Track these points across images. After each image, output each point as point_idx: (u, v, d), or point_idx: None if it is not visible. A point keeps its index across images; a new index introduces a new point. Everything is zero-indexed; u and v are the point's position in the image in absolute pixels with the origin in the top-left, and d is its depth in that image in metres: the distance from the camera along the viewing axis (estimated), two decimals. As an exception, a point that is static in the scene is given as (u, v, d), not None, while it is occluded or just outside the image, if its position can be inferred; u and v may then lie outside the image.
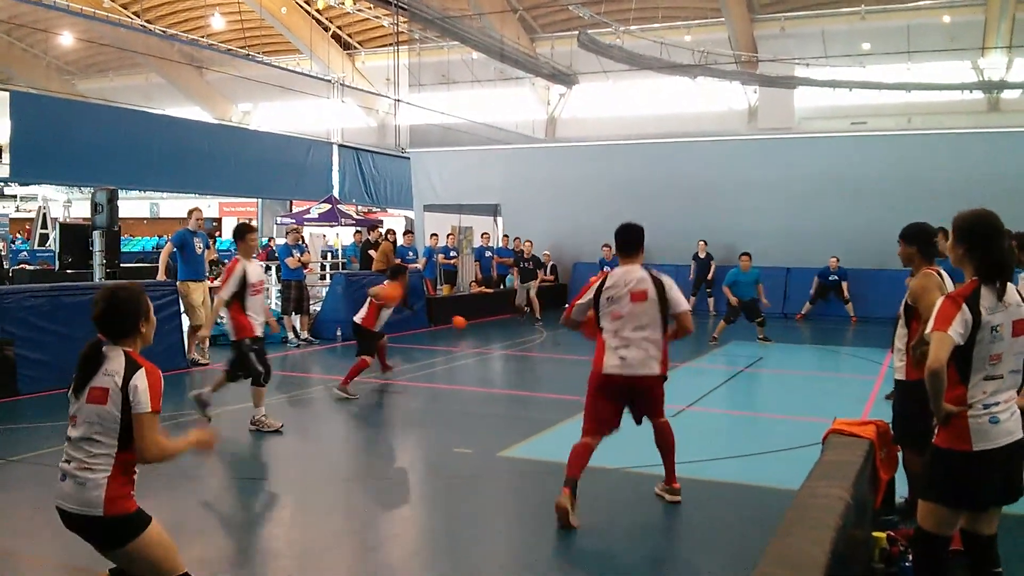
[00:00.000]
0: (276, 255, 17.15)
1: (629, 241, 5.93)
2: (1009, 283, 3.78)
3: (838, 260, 18.80)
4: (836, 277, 18.93)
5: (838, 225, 19.11)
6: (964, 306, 3.65)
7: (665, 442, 5.92)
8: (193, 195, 28.75)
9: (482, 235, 21.57)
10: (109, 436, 3.40)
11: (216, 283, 16.87)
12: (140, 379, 3.41)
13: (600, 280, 5.87)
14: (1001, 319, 3.68)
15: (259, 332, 8.19)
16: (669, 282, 5.77)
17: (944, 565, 3.83)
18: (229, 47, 33.21)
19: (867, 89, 29.64)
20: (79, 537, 3.55)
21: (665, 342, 5.72)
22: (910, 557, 4.31)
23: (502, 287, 20.75)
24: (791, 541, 3.20)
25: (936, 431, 3.82)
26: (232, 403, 9.51)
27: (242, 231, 8.51)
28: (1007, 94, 30.77)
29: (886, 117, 30.38)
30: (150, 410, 3.40)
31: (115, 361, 3.45)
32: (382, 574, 5.01)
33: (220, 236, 40.04)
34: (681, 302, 5.74)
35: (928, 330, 3.74)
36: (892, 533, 4.53)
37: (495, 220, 24.31)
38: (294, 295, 14.31)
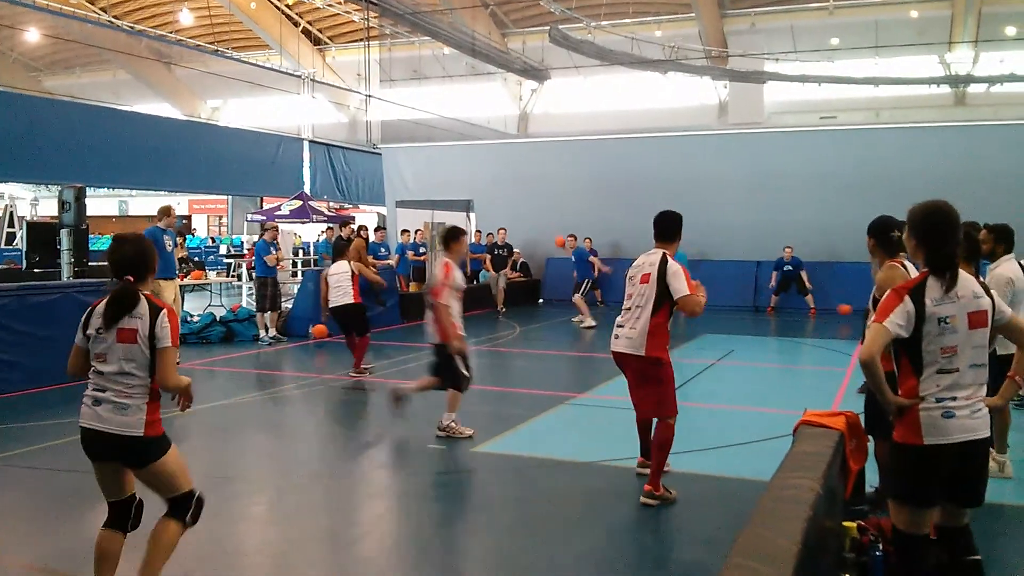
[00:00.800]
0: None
1: (658, 227, 6.13)
2: (964, 275, 3.70)
3: (792, 250, 18.95)
4: (791, 267, 18.98)
5: (807, 219, 19.26)
6: (907, 298, 3.62)
7: (656, 440, 5.92)
8: (162, 192, 28.48)
9: (454, 231, 21.50)
10: (142, 370, 3.94)
11: (187, 280, 16.71)
12: (164, 320, 3.95)
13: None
14: (952, 311, 3.61)
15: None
16: (674, 268, 5.81)
17: (922, 565, 3.77)
18: (198, 43, 32.91)
19: (836, 84, 29.87)
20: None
21: (656, 325, 5.79)
22: (880, 546, 4.35)
23: (475, 283, 20.74)
24: (762, 532, 3.22)
25: (894, 425, 3.78)
26: (205, 401, 9.46)
27: (455, 234, 8.01)
28: (973, 88, 31.11)
29: (855, 111, 30.65)
30: (170, 345, 3.96)
31: (140, 305, 3.96)
32: (356, 571, 5.00)
33: (193, 234, 39.75)
34: (680, 289, 5.72)
35: (870, 321, 3.72)
36: (863, 523, 4.57)
37: (468, 216, 24.27)
38: (270, 292, 14.26)
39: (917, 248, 3.80)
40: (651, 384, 5.88)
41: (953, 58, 30.81)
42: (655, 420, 5.95)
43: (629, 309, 5.94)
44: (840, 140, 20.24)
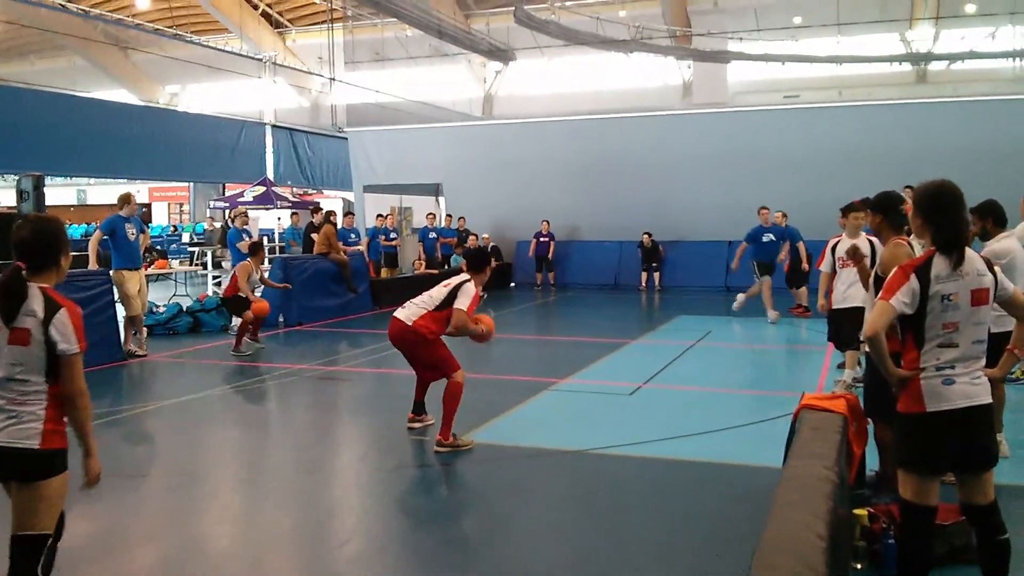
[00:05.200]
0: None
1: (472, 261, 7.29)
2: (971, 252, 3.79)
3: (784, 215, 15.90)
4: (774, 236, 15.24)
5: (774, 197, 19.11)
6: (912, 276, 3.72)
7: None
8: (122, 180, 27.91)
9: (428, 215, 21.33)
10: (37, 374, 3.38)
11: (150, 270, 16.25)
12: (63, 320, 3.37)
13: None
14: (955, 288, 3.70)
15: None
16: (469, 287, 6.90)
17: (925, 536, 3.80)
18: (156, 27, 32.23)
19: (799, 63, 29.91)
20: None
21: (428, 316, 6.90)
22: (892, 534, 4.25)
23: (447, 268, 20.51)
24: (786, 526, 3.08)
25: (898, 398, 3.86)
26: (173, 396, 9.22)
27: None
28: (934, 65, 31.29)
29: (818, 90, 30.71)
30: (78, 351, 3.40)
31: (34, 300, 3.38)
32: (340, 571, 4.79)
33: (152, 223, 39.12)
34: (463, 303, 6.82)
35: (877, 298, 3.83)
36: (872, 510, 4.46)
37: (437, 200, 24.00)
38: None
39: (924, 226, 3.86)
40: (420, 353, 7.12)
41: (914, 35, 30.97)
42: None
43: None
44: (804, 118, 20.24)
